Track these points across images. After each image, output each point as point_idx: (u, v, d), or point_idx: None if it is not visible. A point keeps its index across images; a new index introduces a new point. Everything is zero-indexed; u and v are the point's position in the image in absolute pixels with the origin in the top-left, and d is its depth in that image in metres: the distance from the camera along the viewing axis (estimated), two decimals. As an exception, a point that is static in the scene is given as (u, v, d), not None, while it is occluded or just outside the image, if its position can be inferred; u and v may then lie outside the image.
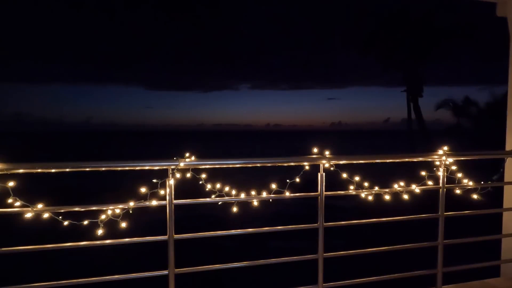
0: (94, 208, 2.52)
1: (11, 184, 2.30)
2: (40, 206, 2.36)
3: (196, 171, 2.66)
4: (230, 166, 2.83)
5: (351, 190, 3.06)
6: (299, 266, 3.36)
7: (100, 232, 2.47)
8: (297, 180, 2.88)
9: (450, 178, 3.23)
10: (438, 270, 3.26)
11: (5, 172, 2.29)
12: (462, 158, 3.29)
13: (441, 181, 3.21)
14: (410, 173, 3.69)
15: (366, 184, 3.06)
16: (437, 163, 3.21)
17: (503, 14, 4.03)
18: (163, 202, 2.60)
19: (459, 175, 3.25)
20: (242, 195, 2.83)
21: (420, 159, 3.37)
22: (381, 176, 4.04)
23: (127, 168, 2.55)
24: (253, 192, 2.87)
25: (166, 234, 2.64)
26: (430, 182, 3.22)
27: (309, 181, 3.08)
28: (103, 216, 2.49)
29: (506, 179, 3.99)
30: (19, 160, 2.36)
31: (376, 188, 3.09)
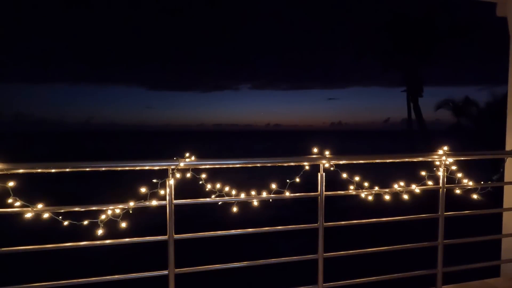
0: (94, 208, 2.51)
1: (11, 184, 2.30)
2: (40, 206, 2.36)
3: (196, 171, 2.66)
4: (230, 166, 2.82)
5: (351, 190, 3.06)
6: (299, 266, 3.36)
7: (100, 232, 2.47)
8: (297, 180, 2.88)
9: (450, 178, 3.23)
10: (438, 270, 3.26)
11: (5, 172, 2.29)
12: (462, 158, 3.29)
13: (441, 181, 3.21)
14: (410, 173, 3.69)
15: (366, 184, 3.06)
16: (437, 163, 3.21)
17: (503, 14, 4.03)
18: (163, 202, 2.60)
19: (459, 175, 3.25)
20: (242, 195, 2.83)
21: (420, 159, 3.37)
22: (381, 176, 4.04)
23: (127, 168, 2.55)
24: (253, 192, 2.87)
25: (166, 234, 2.64)
26: (430, 182, 3.22)
27: (309, 181, 3.08)
28: (103, 216, 2.49)
29: (506, 179, 3.98)
30: (19, 160, 2.36)
31: (376, 188, 3.09)
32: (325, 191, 2.95)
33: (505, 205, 4.01)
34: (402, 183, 3.15)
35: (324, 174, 2.93)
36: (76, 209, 2.46)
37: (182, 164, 2.58)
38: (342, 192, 3.07)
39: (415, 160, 3.40)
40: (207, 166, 2.71)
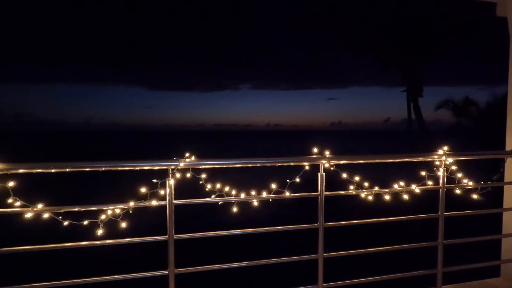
0: (94, 208, 2.52)
1: (11, 184, 2.30)
2: (40, 206, 2.36)
3: (196, 171, 2.66)
4: (230, 166, 2.82)
5: (351, 190, 3.06)
6: (299, 266, 3.36)
7: (100, 232, 2.47)
8: (297, 180, 2.88)
9: (450, 178, 3.23)
10: (438, 270, 3.26)
11: (5, 172, 2.29)
12: (462, 158, 3.29)
13: (441, 181, 3.21)
14: (410, 173, 3.69)
15: (366, 184, 3.06)
16: (437, 163, 3.21)
17: (503, 14, 4.04)
18: (163, 202, 2.60)
19: (459, 175, 3.25)
20: (242, 195, 2.83)
21: (420, 159, 3.37)
22: (381, 176, 4.04)
23: (127, 168, 2.55)
24: (253, 192, 2.87)
25: (166, 234, 2.64)
26: (430, 182, 3.22)
27: (309, 181, 3.08)
28: (103, 216, 2.49)
29: (506, 179, 3.99)
30: (19, 160, 2.36)
31: (376, 188, 3.09)
32: (325, 191, 2.95)
33: (505, 205, 4.01)
34: (402, 183, 3.15)
35: (324, 174, 2.93)
36: (76, 209, 2.47)
37: (182, 164, 2.58)
38: (342, 192, 3.07)
39: (415, 160, 3.40)
40: (207, 166, 2.71)
